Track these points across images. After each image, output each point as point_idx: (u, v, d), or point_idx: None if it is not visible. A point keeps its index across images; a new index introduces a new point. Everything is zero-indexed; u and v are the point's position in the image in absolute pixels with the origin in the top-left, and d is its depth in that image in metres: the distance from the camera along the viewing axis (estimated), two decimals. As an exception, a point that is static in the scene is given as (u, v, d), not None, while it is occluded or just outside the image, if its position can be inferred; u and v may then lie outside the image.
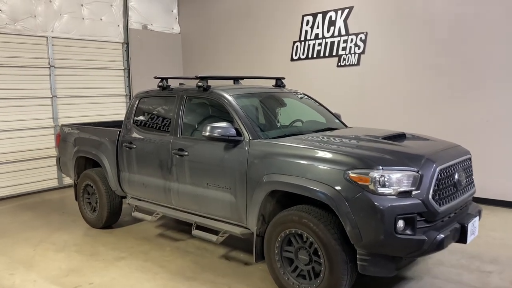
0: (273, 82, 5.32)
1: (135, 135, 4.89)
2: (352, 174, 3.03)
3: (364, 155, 3.18)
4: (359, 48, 7.08)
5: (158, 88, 4.87)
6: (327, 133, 4.15)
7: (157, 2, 9.43)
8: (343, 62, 7.29)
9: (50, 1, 7.64)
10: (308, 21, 7.72)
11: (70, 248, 4.80)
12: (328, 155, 3.27)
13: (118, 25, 8.73)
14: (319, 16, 7.55)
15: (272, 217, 3.55)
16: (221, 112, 4.20)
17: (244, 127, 3.85)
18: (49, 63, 7.66)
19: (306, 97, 5.05)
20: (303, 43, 7.83)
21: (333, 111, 5.09)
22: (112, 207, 5.32)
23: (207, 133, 3.76)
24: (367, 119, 6.72)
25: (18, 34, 7.23)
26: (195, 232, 4.27)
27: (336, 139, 3.83)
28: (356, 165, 3.06)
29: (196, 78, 4.42)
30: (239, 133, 3.83)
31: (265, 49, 8.38)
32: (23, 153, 7.40)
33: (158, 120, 4.75)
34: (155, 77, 4.86)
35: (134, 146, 4.82)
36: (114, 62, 8.72)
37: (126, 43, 8.84)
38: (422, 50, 6.38)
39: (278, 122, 4.57)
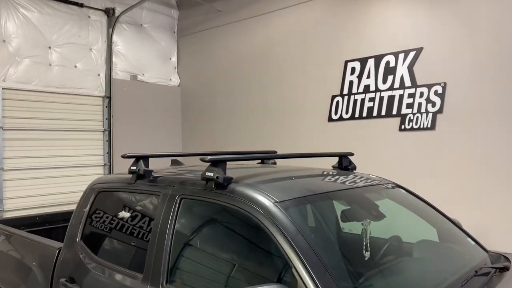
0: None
1: (81, 264, 2.56)
2: None
3: None
4: (433, 106, 4.92)
5: (131, 174, 2.62)
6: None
7: (151, 46, 7.42)
8: (409, 125, 5.10)
9: (4, 41, 5.62)
10: (353, 69, 5.65)
11: None
12: None
13: (99, 74, 6.67)
14: (370, 62, 5.47)
15: None
16: (256, 237, 1.91)
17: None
18: (-5, 124, 5.51)
19: (403, 191, 2.77)
20: (346, 97, 5.70)
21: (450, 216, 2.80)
22: None
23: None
24: (455, 210, 4.40)
25: (-50, 84, 5.16)
26: None
27: None
28: None
29: (202, 159, 2.19)
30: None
31: (294, 106, 6.24)
32: None
33: (125, 243, 2.44)
34: (123, 156, 2.59)
35: (78, 287, 2.48)
36: (90, 121, 6.55)
37: (108, 97, 6.74)
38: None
39: (367, 250, 2.24)
